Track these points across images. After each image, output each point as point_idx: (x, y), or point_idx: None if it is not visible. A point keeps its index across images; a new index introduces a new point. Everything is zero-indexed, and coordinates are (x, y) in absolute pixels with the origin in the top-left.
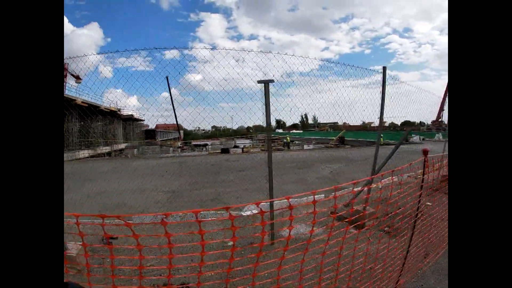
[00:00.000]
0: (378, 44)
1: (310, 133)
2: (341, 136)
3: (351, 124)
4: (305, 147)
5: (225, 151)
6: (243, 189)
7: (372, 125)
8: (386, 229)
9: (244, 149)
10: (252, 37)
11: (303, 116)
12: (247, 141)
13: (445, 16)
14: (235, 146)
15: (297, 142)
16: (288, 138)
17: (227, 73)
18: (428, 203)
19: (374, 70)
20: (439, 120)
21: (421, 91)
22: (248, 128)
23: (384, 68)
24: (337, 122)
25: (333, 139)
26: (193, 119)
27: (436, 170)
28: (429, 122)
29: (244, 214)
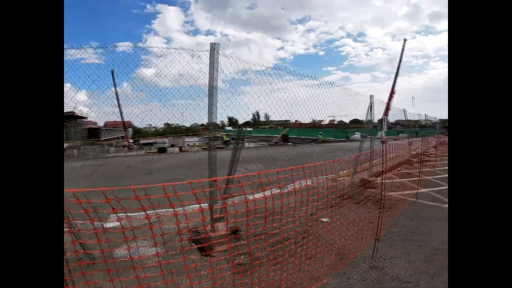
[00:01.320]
0: (332, 47)
1: (260, 131)
2: (284, 134)
3: (303, 122)
4: (246, 145)
5: (162, 150)
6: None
7: (322, 123)
8: (237, 259)
9: (182, 148)
10: (209, 33)
11: (255, 114)
12: (197, 139)
13: (397, 23)
14: (172, 145)
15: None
16: (224, 136)
17: (182, 68)
18: (324, 219)
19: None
20: (385, 118)
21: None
22: (202, 125)
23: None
24: (288, 120)
25: (276, 137)
26: (144, 116)
27: (360, 171)
28: (376, 121)
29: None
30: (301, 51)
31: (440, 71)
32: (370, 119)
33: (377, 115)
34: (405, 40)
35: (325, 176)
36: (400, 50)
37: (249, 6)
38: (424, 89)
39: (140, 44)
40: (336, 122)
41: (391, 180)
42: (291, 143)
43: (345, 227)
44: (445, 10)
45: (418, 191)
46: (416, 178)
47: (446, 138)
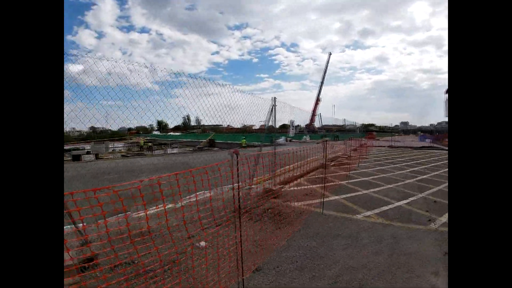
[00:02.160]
0: (266, 55)
1: (191, 135)
2: (211, 138)
3: (234, 127)
4: (169, 150)
5: (76, 158)
6: None
7: (253, 127)
8: None
9: (99, 155)
10: (143, 30)
11: (186, 118)
12: (121, 144)
13: (329, 37)
14: (87, 152)
15: (174, 145)
16: (141, 141)
17: (112, 66)
18: (201, 243)
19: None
20: (312, 124)
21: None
22: (130, 129)
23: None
24: (220, 125)
25: (203, 141)
26: (70, 118)
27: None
28: (303, 125)
29: None
30: (236, 57)
31: (364, 81)
32: (271, 124)
33: (304, 120)
34: (329, 53)
35: (227, 187)
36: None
37: (188, 6)
38: (349, 98)
39: (70, 37)
40: (265, 127)
41: (300, 188)
42: (216, 148)
43: (221, 254)
44: (374, 27)
45: (324, 200)
46: (329, 184)
47: (365, 141)
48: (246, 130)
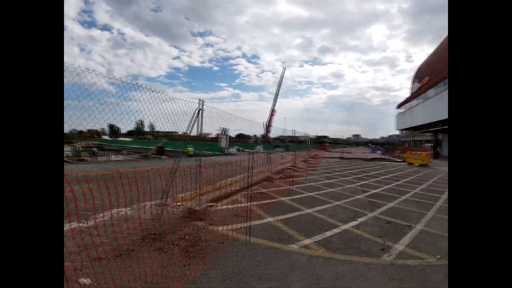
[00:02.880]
0: (226, 64)
1: (142, 141)
2: (160, 146)
3: (189, 134)
4: (113, 157)
5: None
6: None
7: (209, 136)
8: None
9: None
10: (105, 28)
11: (139, 123)
12: (69, 148)
13: (290, 51)
14: None
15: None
16: (78, 145)
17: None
18: (84, 280)
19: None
20: (267, 134)
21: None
22: (81, 132)
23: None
24: (176, 132)
25: (152, 148)
26: None
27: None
28: (259, 135)
29: None
30: (197, 64)
31: (320, 96)
32: (199, 131)
33: (260, 131)
34: (284, 68)
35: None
36: (285, 75)
37: (154, 8)
38: (305, 110)
39: None
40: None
41: (234, 206)
42: (165, 156)
43: None
44: (333, 45)
45: (255, 223)
46: (268, 201)
47: (317, 152)
48: (201, 139)
